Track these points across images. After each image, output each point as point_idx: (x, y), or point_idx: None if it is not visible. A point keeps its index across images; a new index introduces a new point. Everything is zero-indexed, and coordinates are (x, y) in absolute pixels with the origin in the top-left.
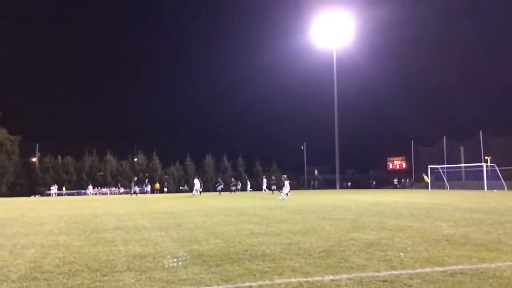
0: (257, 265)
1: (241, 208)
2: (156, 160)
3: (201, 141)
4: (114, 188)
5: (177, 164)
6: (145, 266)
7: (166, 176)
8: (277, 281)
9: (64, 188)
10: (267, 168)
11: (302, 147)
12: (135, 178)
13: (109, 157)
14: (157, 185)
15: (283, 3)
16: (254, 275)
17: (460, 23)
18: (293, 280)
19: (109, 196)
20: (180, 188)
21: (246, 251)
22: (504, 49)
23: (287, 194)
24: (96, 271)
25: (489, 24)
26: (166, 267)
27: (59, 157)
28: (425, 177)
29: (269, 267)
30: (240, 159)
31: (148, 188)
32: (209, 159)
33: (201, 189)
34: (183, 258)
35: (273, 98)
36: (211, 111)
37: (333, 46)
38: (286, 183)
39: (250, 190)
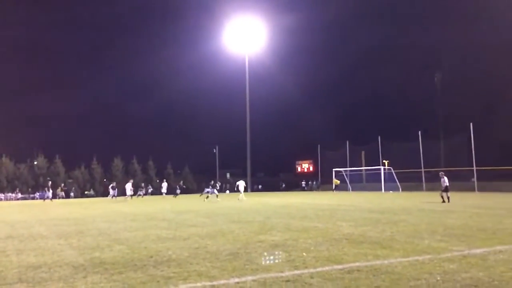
0: (162, 271)
1: (150, 213)
2: (58, 163)
3: (109, 143)
4: (10, 194)
5: (82, 167)
6: (39, 277)
7: (70, 180)
8: (182, 286)
9: None
10: (179, 171)
11: (215, 150)
12: (50, 183)
13: (5, 160)
14: (60, 190)
15: (197, 6)
16: (158, 281)
17: (367, 31)
18: (198, 284)
19: (3, 202)
20: (86, 192)
21: (152, 257)
22: (403, 61)
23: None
24: None
25: (396, 32)
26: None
27: None
28: (336, 180)
29: (174, 273)
30: (150, 162)
31: (50, 193)
32: (117, 162)
33: (132, 193)
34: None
35: (186, 100)
36: (120, 111)
37: (245, 52)
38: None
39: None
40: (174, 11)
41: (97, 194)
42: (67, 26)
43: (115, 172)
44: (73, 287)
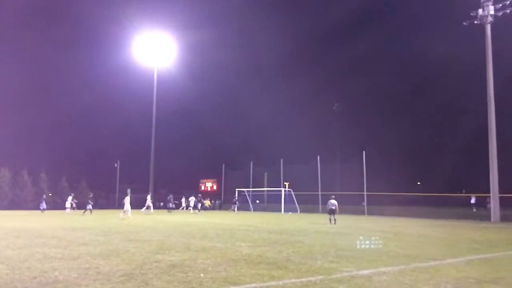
0: None
1: (37, 229)
2: None
3: None
4: None
5: None
6: None
7: None
8: None
9: None
10: (75, 185)
11: (116, 165)
12: None
13: None
14: None
15: (104, 16)
16: None
17: (276, 47)
18: None
19: None
20: None
21: (35, 278)
22: (305, 88)
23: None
24: None
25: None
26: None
27: None
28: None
29: None
30: (43, 174)
31: None
32: (4, 173)
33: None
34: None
35: (87, 111)
36: (11, 119)
37: (154, 65)
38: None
39: None
40: (78, 18)
41: None
42: None
43: (1, 184)
44: None
